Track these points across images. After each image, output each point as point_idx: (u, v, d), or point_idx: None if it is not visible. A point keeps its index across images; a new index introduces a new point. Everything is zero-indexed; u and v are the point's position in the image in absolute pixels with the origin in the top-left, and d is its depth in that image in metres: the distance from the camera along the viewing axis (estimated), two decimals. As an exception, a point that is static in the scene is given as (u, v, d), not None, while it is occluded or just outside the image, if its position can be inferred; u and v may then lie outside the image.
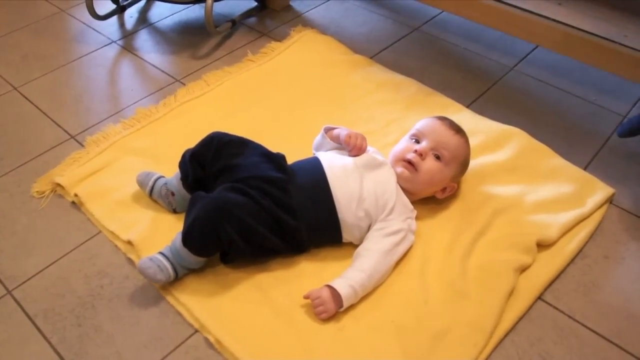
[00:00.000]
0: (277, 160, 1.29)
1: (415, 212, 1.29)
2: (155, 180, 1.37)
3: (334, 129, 1.38)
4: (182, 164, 1.33)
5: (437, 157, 1.30)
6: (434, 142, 1.31)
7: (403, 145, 1.34)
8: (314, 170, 1.27)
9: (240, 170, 1.25)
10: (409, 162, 1.29)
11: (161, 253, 1.20)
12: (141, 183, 1.39)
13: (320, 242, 1.28)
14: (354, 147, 1.30)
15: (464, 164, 1.36)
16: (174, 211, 1.36)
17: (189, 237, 1.16)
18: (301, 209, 1.22)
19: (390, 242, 1.22)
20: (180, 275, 1.21)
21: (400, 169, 1.30)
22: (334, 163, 1.29)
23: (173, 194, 1.34)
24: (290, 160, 1.32)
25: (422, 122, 1.37)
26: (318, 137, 1.41)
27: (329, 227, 1.24)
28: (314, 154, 1.38)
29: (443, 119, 1.37)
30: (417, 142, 1.33)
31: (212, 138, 1.31)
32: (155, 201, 1.38)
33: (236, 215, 1.15)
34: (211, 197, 1.18)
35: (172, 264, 1.19)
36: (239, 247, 1.18)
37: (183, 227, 1.18)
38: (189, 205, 1.20)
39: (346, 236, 1.26)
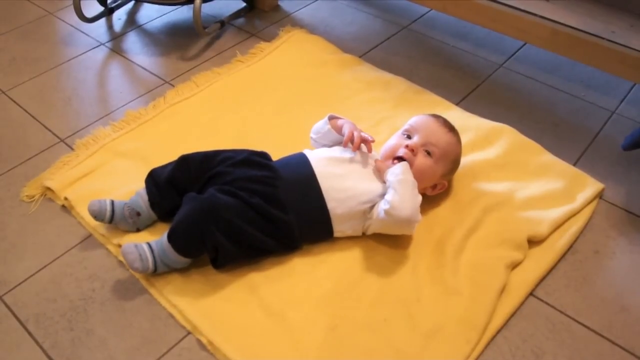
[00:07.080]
0: (261, 159, 1.29)
1: None
2: (112, 205, 1.29)
3: (338, 118, 1.37)
4: (152, 190, 1.28)
5: (428, 154, 1.30)
6: (425, 138, 1.31)
7: (394, 141, 1.34)
8: (300, 165, 1.28)
9: (227, 175, 1.25)
10: (401, 159, 1.29)
11: (148, 243, 1.21)
12: (98, 212, 1.27)
13: (312, 237, 1.27)
14: (353, 145, 1.28)
15: (454, 162, 1.36)
16: (137, 230, 1.31)
17: (173, 235, 1.18)
18: (290, 203, 1.22)
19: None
20: (159, 271, 1.21)
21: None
22: (320, 155, 1.30)
23: (139, 214, 1.29)
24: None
25: (415, 118, 1.37)
26: (320, 123, 1.39)
27: (319, 219, 1.24)
28: (311, 139, 1.40)
29: (437, 116, 1.37)
30: (409, 137, 1.33)
31: (185, 159, 1.28)
32: (115, 226, 1.31)
33: (224, 217, 1.16)
34: (201, 199, 1.19)
35: (154, 257, 1.19)
36: (227, 250, 1.18)
37: (171, 224, 1.19)
38: (182, 203, 1.21)
39: (337, 228, 1.26)
